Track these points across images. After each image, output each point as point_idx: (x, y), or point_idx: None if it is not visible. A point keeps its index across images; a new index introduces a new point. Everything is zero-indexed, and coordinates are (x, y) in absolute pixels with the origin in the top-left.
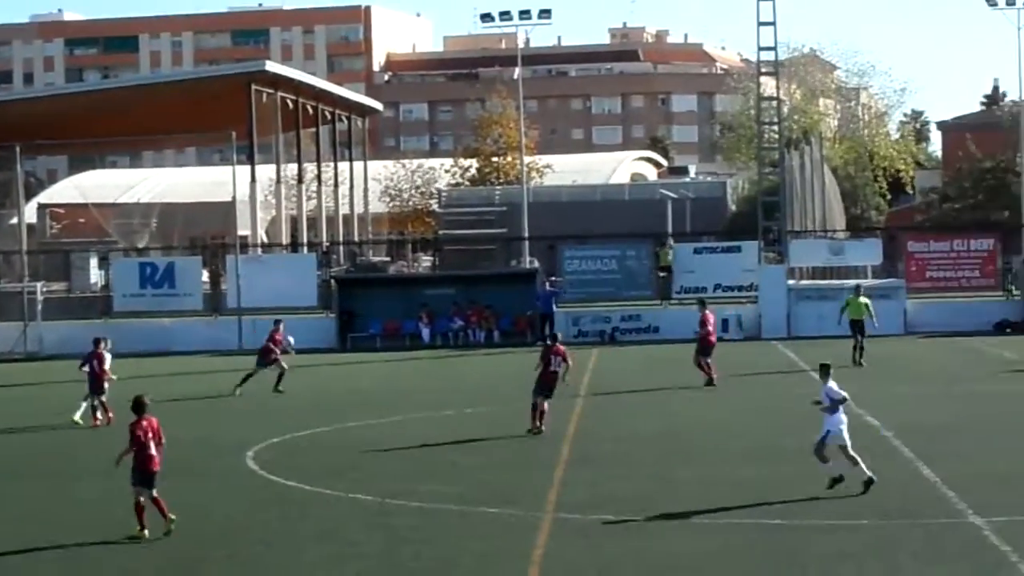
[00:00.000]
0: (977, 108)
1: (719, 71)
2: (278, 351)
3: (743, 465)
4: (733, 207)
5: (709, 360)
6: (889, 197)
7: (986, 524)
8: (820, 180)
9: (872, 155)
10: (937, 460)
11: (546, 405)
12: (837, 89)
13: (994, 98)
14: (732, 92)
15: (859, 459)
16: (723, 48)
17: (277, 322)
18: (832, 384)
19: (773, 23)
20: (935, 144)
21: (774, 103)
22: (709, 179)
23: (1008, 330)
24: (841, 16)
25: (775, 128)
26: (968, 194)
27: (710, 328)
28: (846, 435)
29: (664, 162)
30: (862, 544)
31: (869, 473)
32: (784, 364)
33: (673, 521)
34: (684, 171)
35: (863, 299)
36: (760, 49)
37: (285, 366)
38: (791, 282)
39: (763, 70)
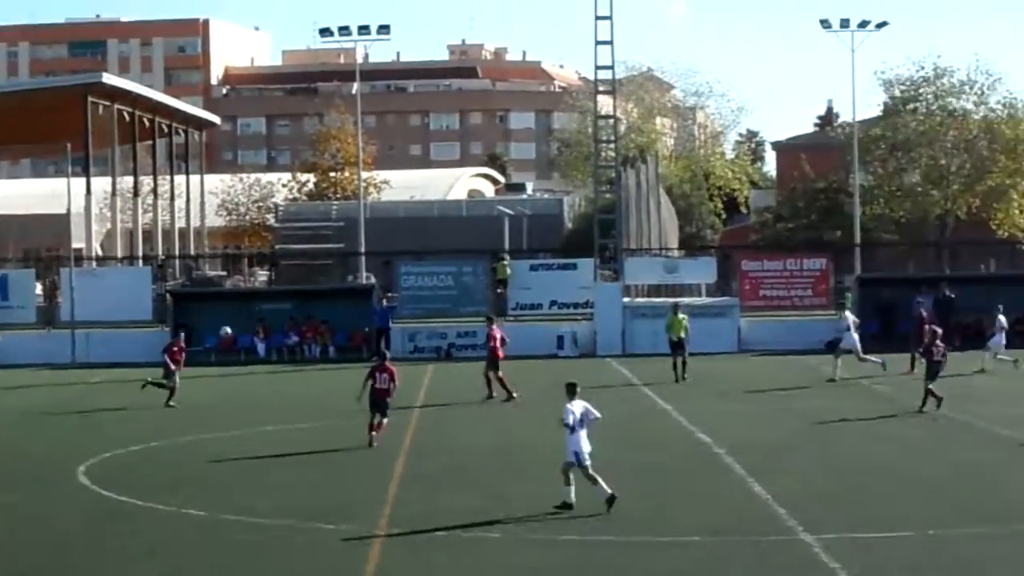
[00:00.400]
0: (811, 129)
1: (557, 89)
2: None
3: (575, 481)
4: (570, 224)
5: (500, 375)
6: (724, 216)
7: (816, 541)
8: (656, 198)
9: (708, 174)
10: (769, 477)
11: (385, 421)
12: (674, 108)
13: (828, 119)
14: (570, 110)
15: (598, 478)
16: (561, 66)
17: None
18: (571, 405)
19: (610, 42)
20: (770, 164)
21: (611, 121)
22: (546, 196)
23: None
24: (678, 37)
25: (612, 146)
26: (802, 214)
27: (495, 344)
28: (585, 456)
29: (502, 179)
30: (693, 561)
31: (609, 490)
32: (619, 380)
33: (506, 537)
34: (521, 188)
35: (682, 316)
36: (597, 68)
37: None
38: (626, 299)
39: (600, 89)
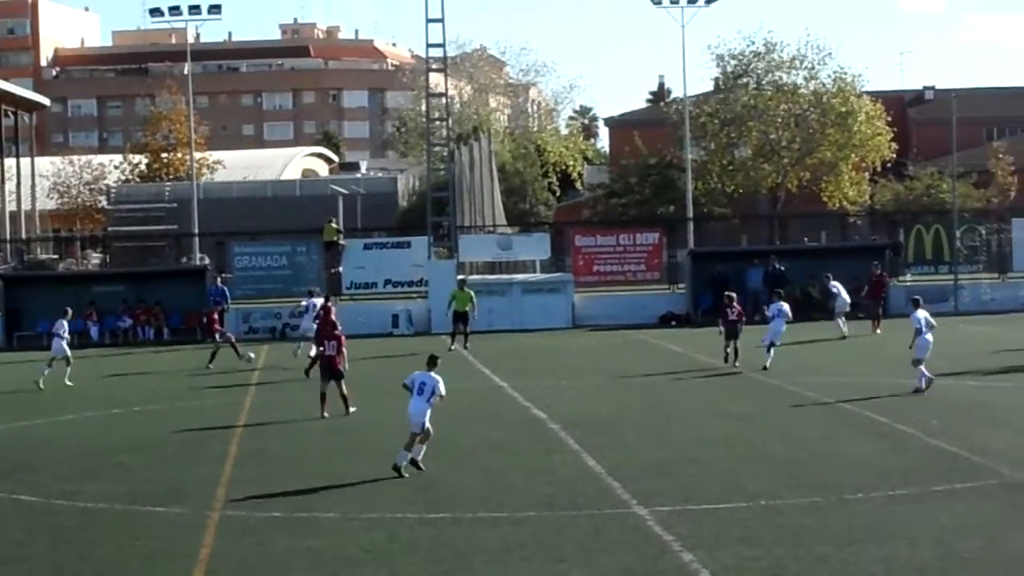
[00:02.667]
0: (644, 105)
1: (390, 67)
2: None
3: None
4: (404, 203)
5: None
6: (558, 192)
7: (649, 513)
8: (490, 176)
9: (541, 151)
10: (602, 451)
11: (344, 387)
12: (507, 86)
13: (660, 95)
14: (403, 88)
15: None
16: (394, 44)
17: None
18: (433, 373)
19: (442, 20)
20: (603, 140)
21: (443, 99)
22: (380, 175)
23: (673, 323)
24: (510, 14)
25: (445, 124)
26: (635, 189)
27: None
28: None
29: (335, 158)
30: (527, 536)
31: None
32: (454, 358)
33: (342, 516)
34: (355, 167)
35: (468, 291)
36: (429, 46)
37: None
38: (460, 277)
39: (432, 66)
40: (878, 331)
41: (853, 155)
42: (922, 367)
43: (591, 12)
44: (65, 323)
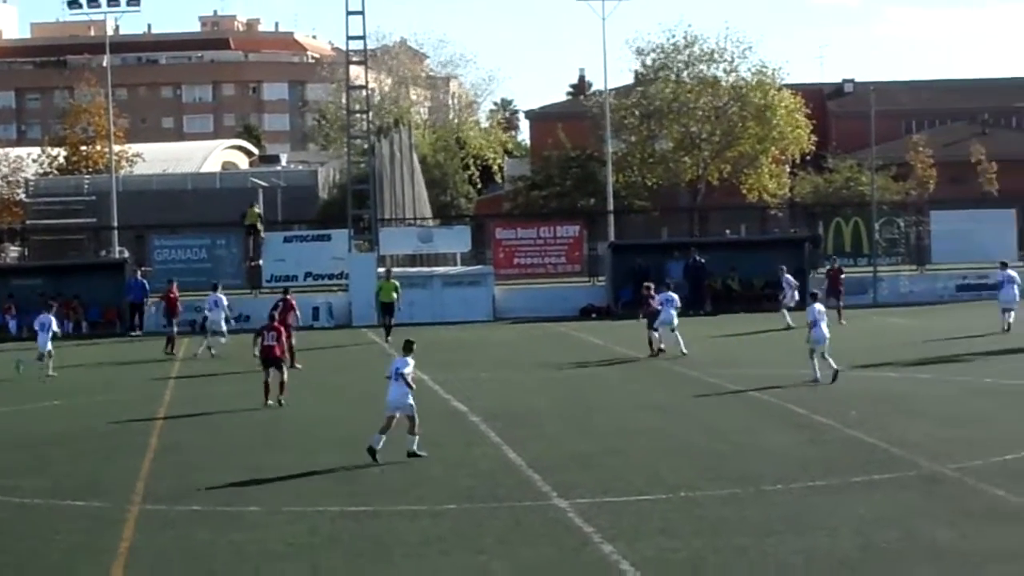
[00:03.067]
0: (564, 98)
1: (310, 60)
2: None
3: (331, 453)
4: (324, 195)
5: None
6: (479, 185)
7: (570, 505)
8: (410, 169)
9: (462, 144)
10: (523, 444)
11: (284, 378)
12: (427, 78)
13: (580, 88)
14: (323, 81)
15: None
16: (314, 37)
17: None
18: (408, 358)
19: (362, 12)
20: (524, 133)
21: (364, 92)
22: (301, 168)
23: (593, 315)
24: (430, 6)
25: (365, 117)
26: (555, 182)
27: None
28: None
29: (256, 151)
30: (447, 529)
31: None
32: (375, 351)
33: (262, 510)
34: (276, 160)
35: (394, 282)
36: (349, 38)
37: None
38: (381, 270)
39: (353, 59)
40: (843, 322)
41: (773, 148)
42: (818, 358)
43: (512, 4)
44: (52, 317)
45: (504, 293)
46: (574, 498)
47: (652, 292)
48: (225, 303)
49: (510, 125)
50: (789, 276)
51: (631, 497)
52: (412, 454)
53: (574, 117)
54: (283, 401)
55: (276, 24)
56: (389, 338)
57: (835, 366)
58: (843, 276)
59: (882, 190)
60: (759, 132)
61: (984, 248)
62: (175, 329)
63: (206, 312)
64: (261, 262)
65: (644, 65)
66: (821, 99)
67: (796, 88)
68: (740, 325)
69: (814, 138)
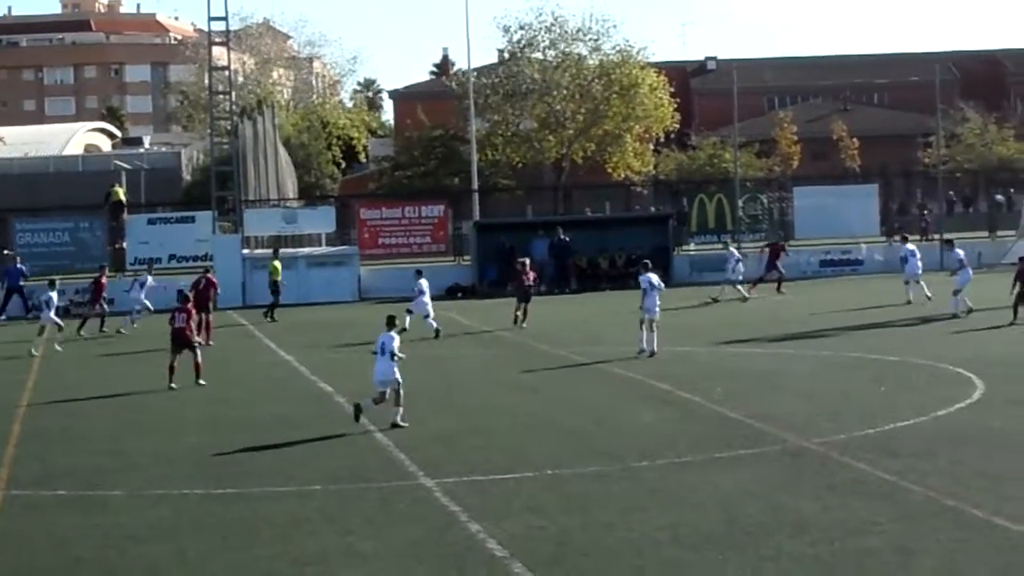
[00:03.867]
0: (428, 78)
1: (173, 41)
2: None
3: (197, 435)
4: (188, 177)
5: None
6: (343, 165)
7: (436, 485)
8: (274, 149)
9: (325, 124)
10: (389, 423)
11: (198, 357)
12: (290, 59)
13: (444, 67)
14: (186, 62)
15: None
16: (176, 18)
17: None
18: (392, 333)
19: None
20: (388, 113)
21: (227, 73)
22: (164, 150)
23: (459, 295)
24: None
25: (228, 98)
26: (420, 161)
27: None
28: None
29: (119, 133)
30: (314, 509)
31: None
32: (240, 332)
33: (128, 494)
34: (139, 142)
35: (277, 263)
36: (211, 19)
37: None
38: (246, 251)
39: (215, 40)
40: (782, 291)
41: (637, 126)
42: (646, 329)
43: None
44: (53, 294)
45: (369, 273)
46: (440, 477)
47: (527, 268)
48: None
49: (373, 105)
50: (733, 248)
51: (497, 476)
52: (395, 425)
53: (438, 96)
54: (202, 382)
55: (138, 5)
56: (268, 317)
57: (654, 347)
58: (784, 252)
59: (745, 167)
60: (623, 111)
61: (847, 223)
62: (104, 309)
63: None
64: (125, 244)
65: (510, 43)
66: (684, 77)
67: (660, 66)
68: (606, 303)
69: (677, 116)
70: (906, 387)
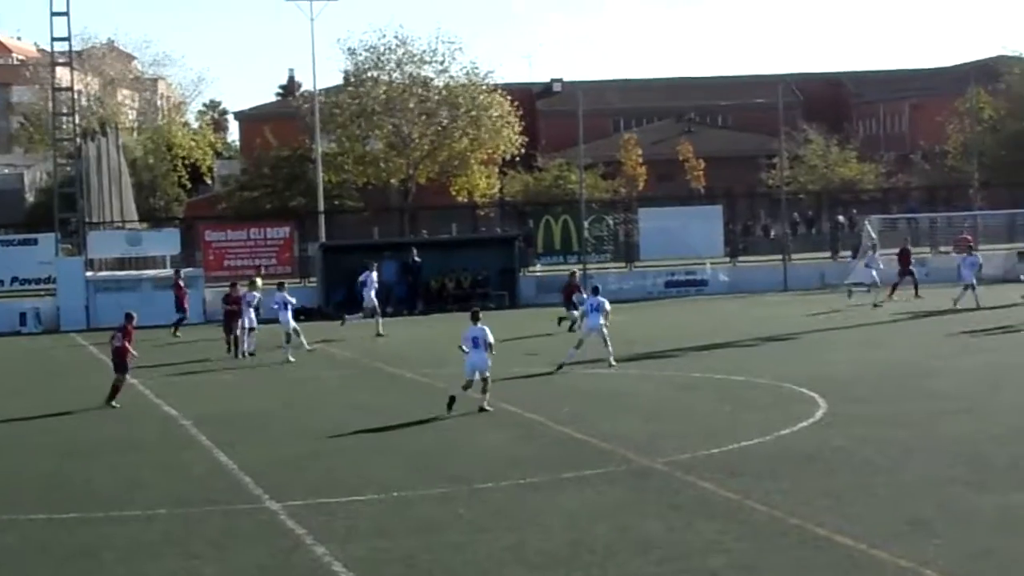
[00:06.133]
0: (273, 99)
1: (15, 61)
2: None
3: (41, 460)
4: (31, 199)
5: None
6: (189, 187)
7: (282, 508)
8: (118, 171)
9: (171, 145)
10: (234, 447)
11: (125, 379)
12: (135, 79)
13: (290, 88)
14: (29, 83)
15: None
16: (19, 38)
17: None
18: (481, 325)
19: (67, 13)
20: (234, 134)
21: (70, 94)
22: (7, 171)
23: (302, 316)
24: (135, 5)
25: (71, 119)
26: (266, 182)
27: None
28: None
29: None
30: (159, 533)
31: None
32: (83, 355)
33: None
34: None
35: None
36: (54, 39)
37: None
38: (89, 274)
39: (58, 60)
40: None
41: (483, 148)
42: (587, 346)
43: (219, 4)
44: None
45: (215, 295)
46: (286, 500)
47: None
48: None
49: (219, 126)
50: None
51: (344, 498)
52: (482, 409)
53: (284, 117)
54: (115, 404)
55: None
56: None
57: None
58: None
59: (591, 188)
60: (470, 133)
61: (691, 244)
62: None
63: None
64: None
65: (355, 65)
66: (531, 99)
67: (506, 88)
68: (453, 324)
69: (524, 138)
70: (750, 407)
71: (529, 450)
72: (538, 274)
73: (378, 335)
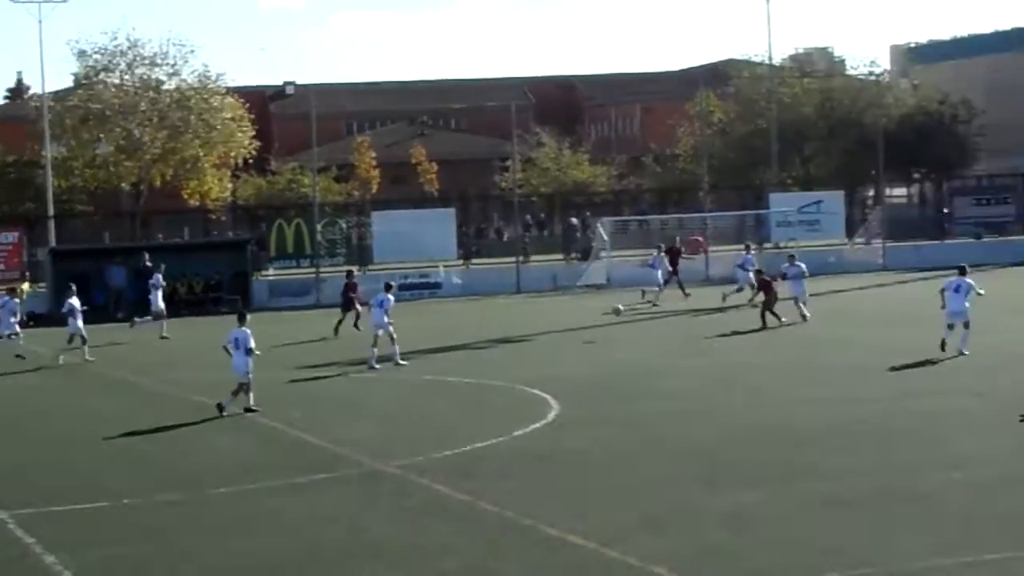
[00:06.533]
0: (2, 102)
1: None
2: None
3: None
4: None
5: None
6: None
7: (10, 516)
8: None
9: None
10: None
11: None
12: None
13: (19, 91)
14: None
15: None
16: None
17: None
18: (245, 328)
19: None
20: None
21: None
22: None
23: (31, 323)
24: None
25: None
26: None
27: None
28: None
29: None
30: None
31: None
32: None
33: None
34: None
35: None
36: None
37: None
38: None
39: None
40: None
41: (215, 151)
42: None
43: None
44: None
45: None
46: (15, 509)
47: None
48: None
49: None
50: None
51: (74, 506)
52: (248, 409)
53: (11, 120)
54: None
55: None
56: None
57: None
58: (681, 256)
59: (324, 192)
60: (202, 136)
61: (425, 247)
62: None
63: None
64: None
65: (85, 67)
66: (264, 101)
67: (239, 91)
68: (185, 329)
69: (257, 141)
70: (484, 409)
71: (263, 455)
72: (271, 278)
73: (162, 337)
